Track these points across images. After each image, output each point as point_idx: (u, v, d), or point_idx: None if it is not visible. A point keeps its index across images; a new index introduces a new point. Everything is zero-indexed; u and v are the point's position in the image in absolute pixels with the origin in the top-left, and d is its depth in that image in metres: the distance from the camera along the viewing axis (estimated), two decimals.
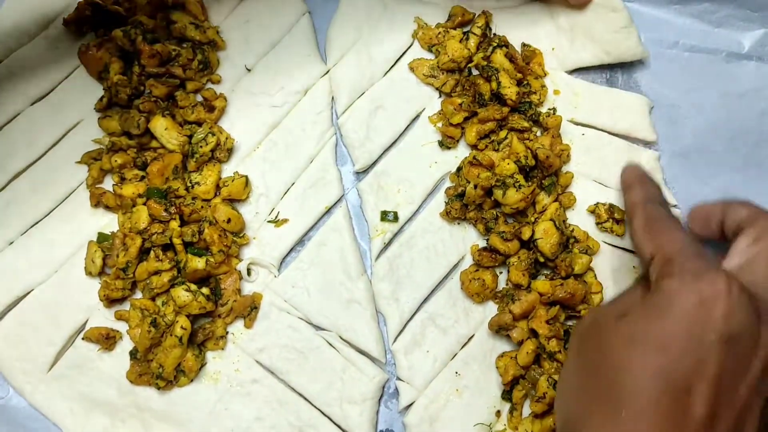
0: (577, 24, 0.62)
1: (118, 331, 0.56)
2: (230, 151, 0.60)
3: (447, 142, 0.60)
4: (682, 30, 0.64)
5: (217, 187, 0.58)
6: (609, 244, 0.58)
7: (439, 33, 0.62)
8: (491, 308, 0.56)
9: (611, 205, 0.57)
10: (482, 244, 0.57)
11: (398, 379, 0.56)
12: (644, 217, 0.45)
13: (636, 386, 0.38)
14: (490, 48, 0.60)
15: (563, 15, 0.62)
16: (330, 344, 0.56)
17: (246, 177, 0.58)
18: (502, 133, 0.58)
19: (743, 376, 0.37)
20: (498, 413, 0.54)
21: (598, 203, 0.58)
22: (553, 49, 0.62)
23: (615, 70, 0.63)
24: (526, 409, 0.54)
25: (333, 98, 0.63)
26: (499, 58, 0.58)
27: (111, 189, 0.58)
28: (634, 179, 0.49)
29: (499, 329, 0.54)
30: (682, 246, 0.42)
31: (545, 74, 0.61)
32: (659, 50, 0.63)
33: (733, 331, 0.37)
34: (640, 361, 0.38)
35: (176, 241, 0.54)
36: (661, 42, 0.64)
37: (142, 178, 0.58)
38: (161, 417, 0.54)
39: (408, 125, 0.62)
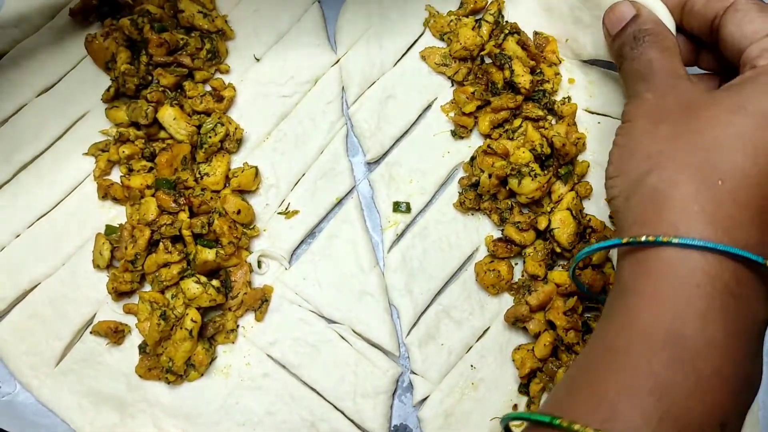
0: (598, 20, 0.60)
1: (126, 325, 0.55)
2: (239, 142, 0.59)
3: (460, 132, 0.59)
4: None
5: (227, 178, 0.57)
6: None
7: (451, 21, 0.61)
8: (507, 300, 0.55)
9: None
10: (497, 234, 0.56)
11: (412, 372, 0.55)
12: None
13: (736, 158, 0.35)
14: (502, 35, 0.58)
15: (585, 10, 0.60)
16: (342, 337, 0.55)
17: (256, 168, 0.57)
18: (516, 122, 0.57)
19: None
20: (515, 407, 0.53)
21: None
22: (566, 40, 0.60)
23: None
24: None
25: (343, 88, 0.62)
26: (511, 45, 0.57)
27: (119, 180, 0.57)
28: None
29: (515, 321, 0.53)
30: None
31: (559, 61, 0.60)
32: None
33: None
34: (743, 135, 0.35)
35: (185, 232, 0.53)
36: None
37: (151, 169, 0.57)
38: (171, 412, 0.53)
39: (420, 115, 0.61)
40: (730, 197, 0.34)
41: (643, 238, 0.35)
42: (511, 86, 0.57)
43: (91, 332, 0.55)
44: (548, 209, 0.55)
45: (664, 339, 0.32)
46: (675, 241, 0.34)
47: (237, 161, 0.59)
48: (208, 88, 0.60)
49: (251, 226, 0.57)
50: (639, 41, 0.43)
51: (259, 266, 0.56)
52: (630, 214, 0.37)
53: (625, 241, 0.36)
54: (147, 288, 0.55)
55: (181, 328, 0.52)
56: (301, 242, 0.58)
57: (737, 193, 0.34)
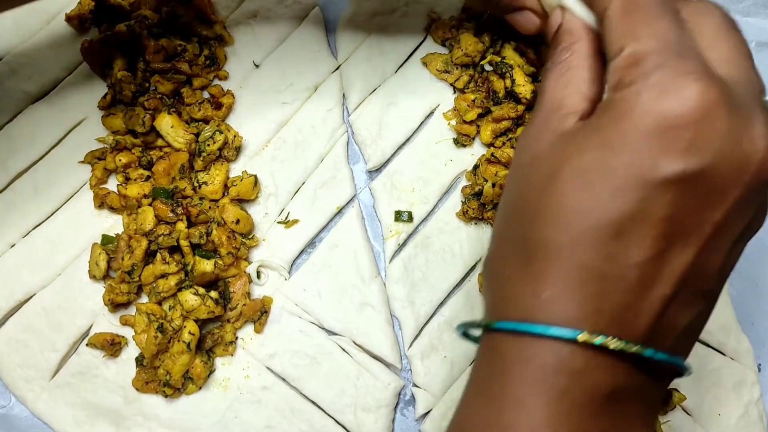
0: None
1: (123, 337, 0.54)
2: (238, 150, 0.58)
3: (462, 140, 0.58)
4: None
5: (225, 187, 0.56)
6: None
7: (453, 26, 0.60)
8: None
9: None
10: None
11: (414, 385, 0.54)
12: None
13: (549, 233, 0.29)
14: (499, 42, 0.57)
15: None
16: (343, 349, 0.54)
17: (255, 176, 0.56)
18: (519, 131, 0.56)
19: (709, 210, 0.28)
20: None
21: None
22: None
23: None
24: None
25: (344, 95, 0.61)
26: (509, 52, 0.56)
27: (115, 189, 0.56)
28: None
29: None
30: (668, 43, 0.29)
31: None
32: None
33: (698, 166, 0.27)
34: (557, 199, 0.29)
35: (183, 243, 0.52)
36: None
37: (148, 177, 0.56)
38: (168, 425, 0.52)
39: (422, 122, 0.60)
40: (546, 273, 0.30)
41: (496, 325, 0.31)
42: (512, 95, 0.56)
43: (87, 344, 0.54)
44: None
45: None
46: (492, 325, 0.31)
47: (236, 170, 0.58)
48: (206, 95, 0.59)
49: (250, 236, 0.56)
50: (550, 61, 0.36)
51: (258, 277, 0.55)
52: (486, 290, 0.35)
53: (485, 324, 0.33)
54: (144, 299, 0.54)
55: (178, 341, 0.51)
56: (301, 252, 0.57)
57: (552, 269, 0.30)
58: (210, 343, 0.53)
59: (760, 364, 0.55)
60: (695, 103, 0.28)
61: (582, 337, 0.28)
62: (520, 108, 0.55)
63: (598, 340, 0.28)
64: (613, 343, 0.28)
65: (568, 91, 0.33)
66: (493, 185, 0.53)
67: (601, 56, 0.33)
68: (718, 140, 0.28)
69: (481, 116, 0.57)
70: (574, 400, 0.29)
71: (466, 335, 0.36)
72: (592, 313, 0.29)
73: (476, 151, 0.58)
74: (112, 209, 0.56)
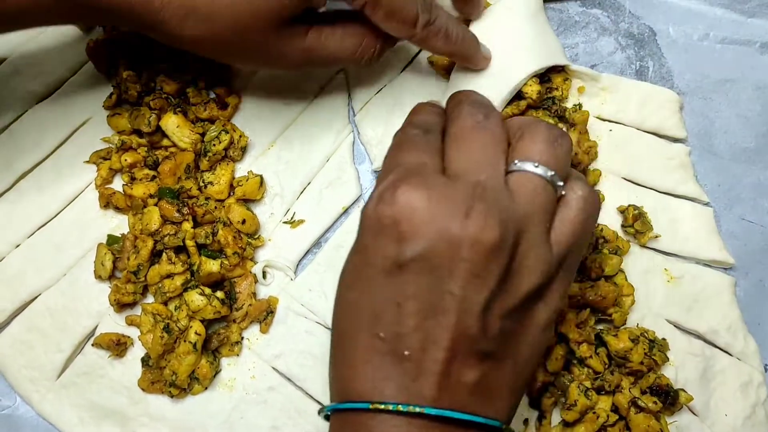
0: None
1: (129, 337, 0.54)
2: (244, 150, 0.58)
3: None
4: (713, 21, 0.61)
5: (231, 187, 0.56)
6: (638, 244, 0.55)
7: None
8: None
9: (639, 213, 0.55)
10: None
11: None
12: (392, 141, 0.41)
13: (340, 328, 0.38)
14: None
15: None
16: None
17: (260, 176, 0.56)
18: None
19: (449, 281, 0.34)
20: (526, 422, 0.52)
21: (629, 205, 0.55)
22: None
23: (645, 62, 0.61)
24: (555, 417, 0.51)
25: (350, 95, 0.61)
26: None
27: (121, 189, 0.56)
28: (416, 107, 0.44)
29: None
30: (396, 164, 0.37)
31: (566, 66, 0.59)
32: (690, 43, 0.61)
33: (418, 250, 0.34)
34: (339, 303, 0.38)
35: (189, 243, 0.52)
36: (691, 34, 0.61)
37: (153, 177, 0.56)
38: (174, 426, 0.52)
39: None
40: (348, 363, 0.37)
41: (327, 409, 0.38)
42: (517, 94, 0.56)
43: (92, 345, 0.53)
44: None
45: None
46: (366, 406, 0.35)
47: (241, 170, 0.58)
48: (212, 95, 0.59)
49: (256, 236, 0.56)
50: None
51: (264, 277, 0.55)
52: None
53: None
54: (150, 299, 0.54)
55: (184, 341, 0.51)
56: (307, 252, 0.57)
57: (353, 358, 0.37)
58: (216, 343, 0.53)
59: (766, 365, 0.55)
60: (400, 203, 0.34)
61: (375, 406, 0.34)
62: (522, 104, 0.55)
63: (385, 407, 0.34)
64: (401, 407, 0.33)
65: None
66: None
67: None
68: (426, 229, 0.34)
69: None
70: None
71: (327, 418, 0.41)
72: (380, 383, 0.35)
73: None
74: (117, 209, 0.56)
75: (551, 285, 0.37)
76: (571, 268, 0.39)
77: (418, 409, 0.33)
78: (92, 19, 0.49)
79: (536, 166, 0.37)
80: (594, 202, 0.39)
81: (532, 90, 0.54)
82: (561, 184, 0.38)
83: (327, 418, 0.39)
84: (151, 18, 0.44)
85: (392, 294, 0.35)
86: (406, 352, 0.34)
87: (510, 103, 0.55)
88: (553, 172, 0.37)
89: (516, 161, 0.37)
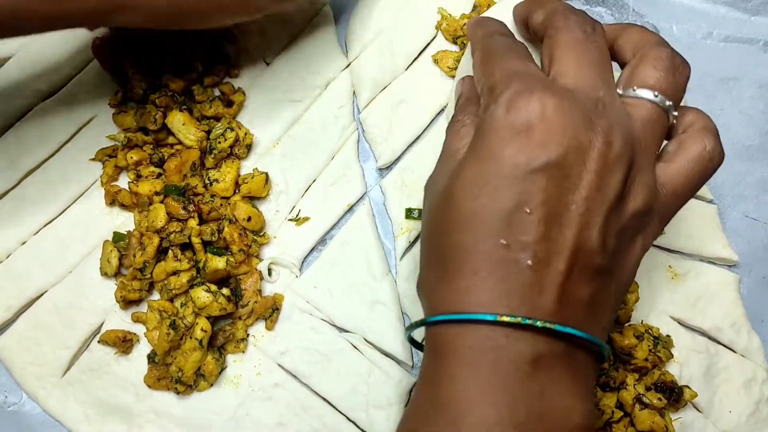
0: None
1: (135, 334, 0.54)
2: (249, 147, 0.58)
3: None
4: (716, 19, 0.62)
5: (236, 185, 0.56)
6: None
7: (464, 24, 0.60)
8: None
9: None
10: None
11: None
12: (482, 51, 0.40)
13: (454, 240, 0.35)
14: None
15: None
16: (354, 346, 0.54)
17: (266, 174, 0.56)
18: None
19: (574, 192, 0.34)
20: None
21: None
22: None
23: None
24: None
25: (354, 92, 0.61)
26: None
27: (126, 187, 0.56)
28: (473, 23, 0.45)
29: None
30: (512, 72, 0.37)
31: None
32: (693, 41, 0.61)
33: (549, 158, 0.33)
34: (455, 213, 0.36)
35: (195, 240, 0.52)
36: (695, 32, 0.62)
37: (159, 175, 0.56)
38: (180, 423, 0.52)
39: (432, 120, 0.60)
40: (460, 270, 0.35)
41: (429, 319, 0.36)
42: None
43: (98, 341, 0.54)
44: None
45: (430, 408, 0.35)
46: (427, 319, 0.36)
47: (247, 167, 0.58)
48: (217, 92, 0.59)
49: (261, 234, 0.56)
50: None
51: (270, 274, 0.55)
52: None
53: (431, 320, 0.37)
54: (156, 296, 0.54)
55: (190, 338, 0.51)
56: (312, 249, 0.57)
57: (464, 266, 0.35)
58: (221, 340, 0.53)
59: None
60: (535, 110, 0.34)
61: (501, 318, 0.33)
62: None
63: (511, 319, 0.33)
64: (525, 322, 0.33)
65: (463, 142, 0.40)
66: None
67: None
68: (558, 137, 0.34)
69: None
70: (501, 369, 0.33)
71: (411, 341, 0.41)
72: (504, 295, 0.34)
73: None
74: (123, 206, 0.56)
75: (651, 215, 0.37)
76: (668, 211, 0.39)
77: (548, 326, 0.33)
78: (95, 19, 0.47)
79: (656, 96, 0.37)
80: (711, 156, 0.38)
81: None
82: (675, 113, 0.38)
83: (411, 341, 0.40)
84: None
85: (520, 201, 0.34)
86: (528, 262, 0.33)
87: None
88: (670, 103, 0.37)
89: (635, 87, 0.37)
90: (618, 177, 0.34)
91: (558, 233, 0.34)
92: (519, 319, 0.33)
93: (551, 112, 0.34)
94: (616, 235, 0.35)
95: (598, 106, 0.35)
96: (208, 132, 0.57)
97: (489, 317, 0.33)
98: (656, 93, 0.36)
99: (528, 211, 0.34)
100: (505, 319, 0.33)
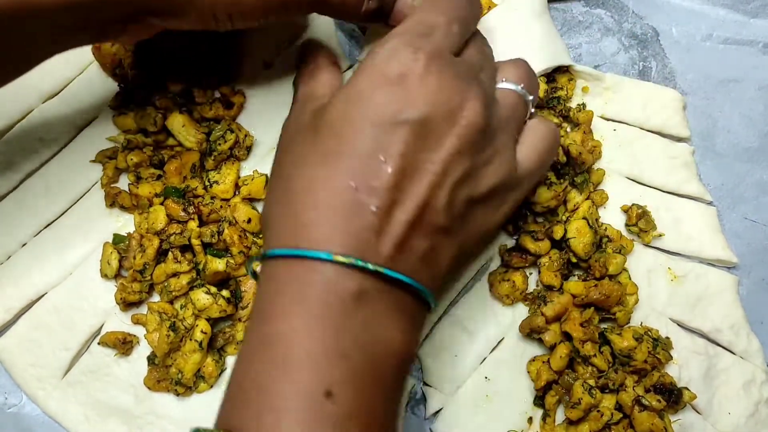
0: None
1: (135, 336, 0.54)
2: (249, 149, 0.58)
3: None
4: (716, 21, 0.62)
5: (236, 186, 0.56)
6: (642, 243, 0.56)
7: None
8: (521, 310, 0.54)
9: (643, 212, 0.55)
10: (511, 244, 0.55)
11: (425, 384, 0.54)
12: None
13: (306, 172, 0.37)
14: None
15: None
16: None
17: (266, 176, 0.56)
18: None
19: (434, 152, 0.36)
20: (530, 420, 0.52)
21: (633, 204, 0.55)
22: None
23: (648, 62, 0.62)
24: (560, 416, 0.52)
25: None
26: None
27: (126, 188, 0.56)
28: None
29: (530, 332, 0.52)
30: (410, 27, 0.39)
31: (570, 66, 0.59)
32: (693, 43, 0.61)
33: (417, 115, 0.36)
34: (311, 147, 0.37)
35: (195, 242, 0.52)
36: (694, 35, 0.62)
37: (159, 177, 0.56)
38: (180, 424, 0.52)
39: None
40: (302, 204, 0.37)
41: (269, 252, 0.37)
42: None
43: (98, 343, 0.54)
44: (564, 218, 0.54)
45: (259, 344, 0.35)
46: (266, 253, 0.37)
47: (247, 169, 0.58)
48: (217, 94, 0.59)
49: (261, 235, 0.56)
50: None
51: None
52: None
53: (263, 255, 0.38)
54: (156, 298, 0.54)
55: (190, 340, 0.51)
56: None
57: (306, 200, 0.37)
58: (221, 341, 0.53)
59: None
60: (413, 66, 0.36)
61: (336, 257, 0.34)
62: None
63: (345, 259, 0.34)
64: (358, 263, 0.34)
65: (318, 84, 0.43)
66: None
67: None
68: (433, 96, 0.36)
69: None
70: (328, 304, 0.34)
71: (254, 275, 0.41)
72: (344, 235, 0.35)
73: None
74: (123, 208, 0.56)
75: (507, 192, 0.41)
76: (524, 186, 0.43)
77: (378, 269, 0.34)
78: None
79: (520, 88, 0.43)
80: (555, 135, 0.45)
81: (539, 89, 0.55)
82: (532, 111, 0.44)
83: (254, 275, 0.40)
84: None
85: (378, 148, 0.35)
86: (373, 208, 0.35)
87: None
88: (531, 97, 0.44)
89: (503, 79, 0.43)
90: (478, 147, 0.38)
91: (408, 186, 0.36)
92: (352, 260, 0.34)
93: (433, 72, 0.36)
94: (466, 202, 0.38)
95: (477, 81, 0.39)
96: (208, 134, 0.56)
97: (324, 255, 0.34)
98: (521, 86, 0.43)
99: (383, 159, 0.35)
100: (340, 258, 0.34)
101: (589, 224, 0.52)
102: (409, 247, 0.36)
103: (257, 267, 0.40)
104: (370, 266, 0.34)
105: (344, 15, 0.47)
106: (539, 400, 0.52)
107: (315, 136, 0.38)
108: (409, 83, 0.36)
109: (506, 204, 0.42)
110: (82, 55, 0.60)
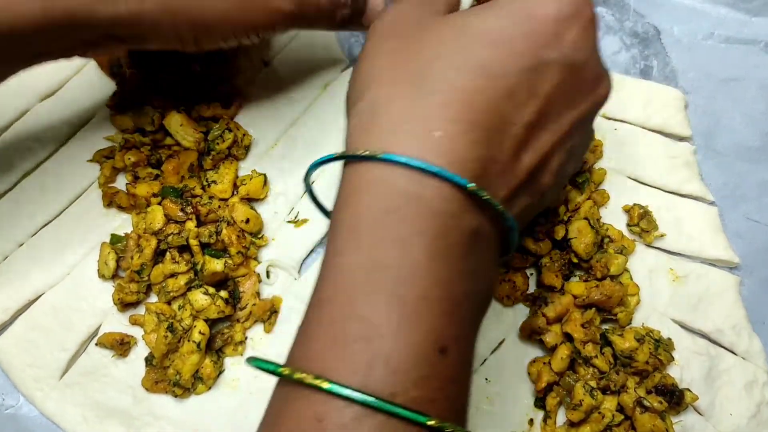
0: None
1: (132, 337, 0.53)
2: (248, 149, 0.57)
3: None
4: (717, 20, 0.61)
5: (235, 186, 0.56)
6: (644, 243, 0.55)
7: None
8: (522, 311, 0.54)
9: (645, 212, 0.55)
10: None
11: None
12: None
13: (450, 74, 0.33)
14: None
15: None
16: None
17: (264, 175, 0.56)
18: None
19: (570, 108, 0.35)
20: (531, 421, 0.52)
21: (634, 204, 0.55)
22: None
23: (649, 61, 0.61)
24: (561, 417, 0.51)
25: None
26: None
27: (124, 188, 0.56)
28: None
29: (531, 334, 0.52)
30: None
31: None
32: (694, 42, 0.61)
33: (577, 61, 0.34)
34: (462, 52, 0.33)
35: (193, 242, 0.52)
36: (696, 33, 0.61)
37: (157, 176, 0.55)
38: (178, 425, 0.52)
39: None
40: (440, 112, 0.32)
41: (353, 152, 0.32)
42: None
43: (96, 344, 0.53)
44: (565, 218, 0.54)
45: (366, 274, 0.30)
46: (379, 156, 0.31)
47: (245, 168, 0.57)
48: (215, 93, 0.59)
49: (260, 236, 0.55)
50: None
51: (268, 276, 0.55)
52: (350, 127, 0.35)
53: (338, 154, 0.34)
54: (153, 299, 0.54)
55: (188, 341, 0.51)
56: (311, 252, 0.57)
57: (447, 109, 0.32)
58: (220, 342, 0.53)
59: None
60: (584, 10, 0.35)
61: (471, 187, 0.31)
62: None
63: (484, 194, 0.31)
64: (488, 199, 0.32)
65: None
66: None
67: None
68: (590, 48, 0.35)
69: None
70: (450, 240, 0.31)
71: (311, 192, 0.39)
72: (477, 160, 0.31)
73: None
74: (120, 208, 0.56)
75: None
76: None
77: (499, 208, 0.33)
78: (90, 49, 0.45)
79: None
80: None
81: None
82: None
83: (311, 192, 0.39)
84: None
85: (528, 79, 0.33)
86: (507, 141, 0.33)
87: None
88: None
89: None
90: (592, 120, 0.38)
91: (544, 131, 0.34)
92: (484, 194, 0.31)
93: (591, 20, 0.35)
94: (563, 169, 0.38)
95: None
96: (206, 133, 0.56)
97: (458, 179, 0.31)
98: None
99: (534, 93, 0.33)
100: (478, 191, 0.31)
101: (590, 224, 0.52)
102: (516, 198, 0.34)
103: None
104: (499, 206, 0.32)
105: (320, 27, 0.47)
106: (540, 402, 0.52)
107: (463, 36, 0.34)
108: (577, 25, 0.34)
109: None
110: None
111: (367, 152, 0.31)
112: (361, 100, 0.35)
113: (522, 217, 0.36)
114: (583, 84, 0.36)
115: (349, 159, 0.33)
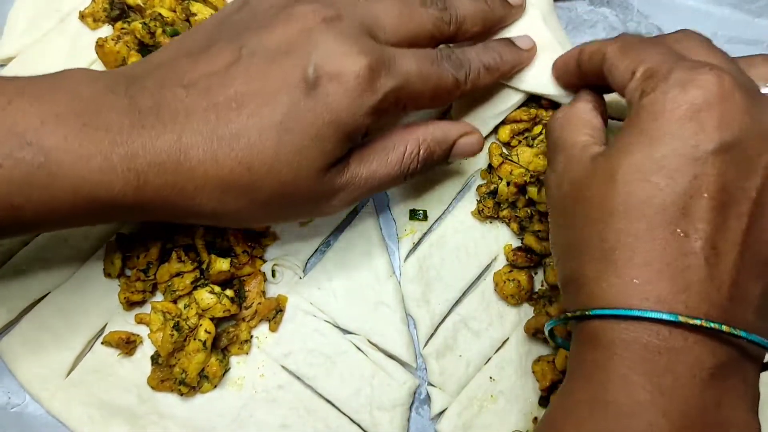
0: None
1: (138, 336, 0.54)
2: None
3: None
4: (720, 21, 0.61)
5: None
6: None
7: None
8: (526, 310, 0.54)
9: None
10: (516, 243, 0.55)
11: (430, 384, 0.54)
12: (620, 42, 0.39)
13: (623, 227, 0.33)
14: None
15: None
16: (358, 348, 0.54)
17: None
18: (536, 129, 0.56)
19: (749, 178, 0.33)
20: (535, 420, 0.52)
21: None
22: None
23: None
24: None
25: None
26: None
27: None
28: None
29: (535, 332, 0.52)
30: (666, 56, 0.36)
31: None
32: None
33: (731, 138, 0.32)
34: (623, 198, 0.33)
35: (199, 241, 0.52)
36: None
37: None
38: (183, 424, 0.52)
39: None
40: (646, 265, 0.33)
41: (594, 311, 0.34)
42: (531, 97, 0.56)
43: (102, 343, 0.53)
44: None
45: (590, 409, 0.33)
46: (593, 312, 0.33)
47: None
48: None
49: (265, 235, 0.56)
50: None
51: (274, 275, 0.55)
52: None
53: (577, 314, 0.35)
54: (159, 298, 0.54)
55: (194, 339, 0.51)
56: (316, 251, 0.57)
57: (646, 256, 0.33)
58: (225, 341, 0.53)
59: None
60: (714, 87, 0.33)
61: (682, 318, 0.31)
62: (533, 111, 0.55)
63: (693, 321, 0.30)
64: (709, 324, 0.30)
65: (578, 128, 0.40)
66: (508, 184, 0.53)
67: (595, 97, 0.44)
68: (740, 116, 0.33)
69: None
70: (678, 375, 0.31)
71: (551, 334, 0.40)
72: (682, 291, 0.31)
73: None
74: None
75: None
76: None
77: (735, 332, 0.31)
78: (119, 217, 0.42)
79: None
80: None
81: None
82: None
83: (551, 334, 0.40)
84: (186, 204, 0.40)
85: (700, 184, 0.32)
86: (705, 254, 0.31)
87: (521, 105, 0.55)
88: None
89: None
90: None
91: (733, 221, 0.32)
92: (702, 322, 0.30)
93: (729, 91, 0.33)
94: None
95: (758, 92, 0.35)
96: None
97: (668, 316, 0.31)
98: None
99: (704, 196, 0.32)
100: (686, 320, 0.30)
101: None
102: (744, 294, 0.32)
103: (547, 329, 0.39)
104: (724, 328, 0.30)
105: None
106: (544, 401, 0.52)
107: (616, 186, 0.34)
108: (714, 107, 0.33)
109: None
110: (86, 55, 0.60)
111: (573, 313, 0.35)
112: (561, 281, 0.39)
113: (765, 308, 0.34)
114: (752, 147, 0.33)
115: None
